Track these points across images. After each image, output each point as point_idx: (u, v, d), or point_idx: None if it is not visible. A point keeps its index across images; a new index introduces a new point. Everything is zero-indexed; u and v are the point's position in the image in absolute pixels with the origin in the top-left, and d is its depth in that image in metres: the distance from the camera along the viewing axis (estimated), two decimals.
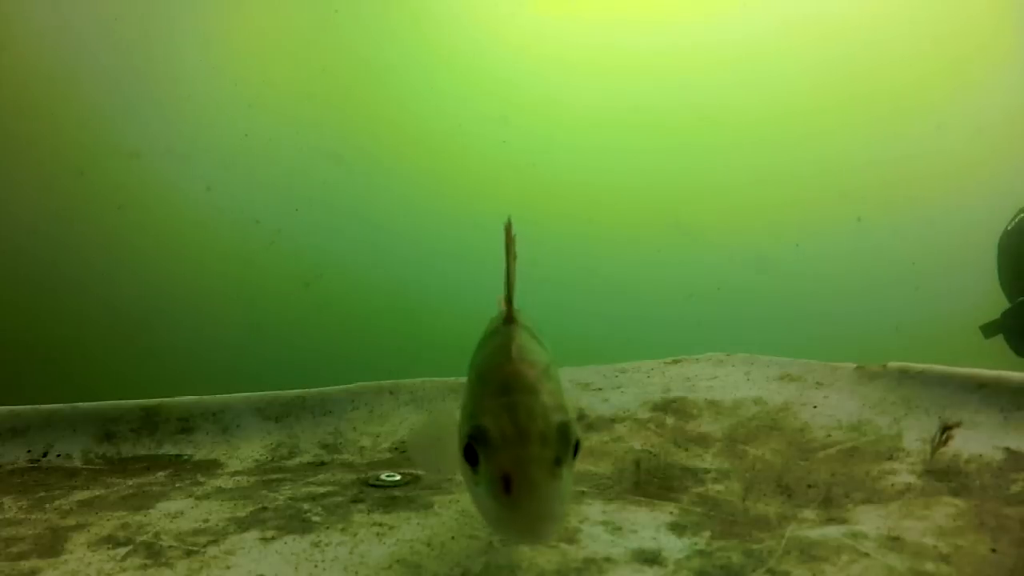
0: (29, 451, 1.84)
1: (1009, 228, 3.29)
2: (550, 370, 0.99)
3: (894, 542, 1.15)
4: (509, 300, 1.12)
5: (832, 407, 1.76)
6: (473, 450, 0.88)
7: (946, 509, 1.25)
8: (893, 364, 1.80)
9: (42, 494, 1.59)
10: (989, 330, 3.30)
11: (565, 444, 0.87)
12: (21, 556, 1.26)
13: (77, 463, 1.80)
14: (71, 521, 1.41)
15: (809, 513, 1.30)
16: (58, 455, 1.83)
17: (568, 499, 0.87)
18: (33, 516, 1.45)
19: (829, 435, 1.64)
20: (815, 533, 1.21)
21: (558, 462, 0.85)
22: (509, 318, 1.10)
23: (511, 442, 0.85)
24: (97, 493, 1.59)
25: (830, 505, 1.32)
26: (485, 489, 0.86)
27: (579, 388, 2.02)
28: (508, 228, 1.15)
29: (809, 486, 1.41)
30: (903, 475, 1.41)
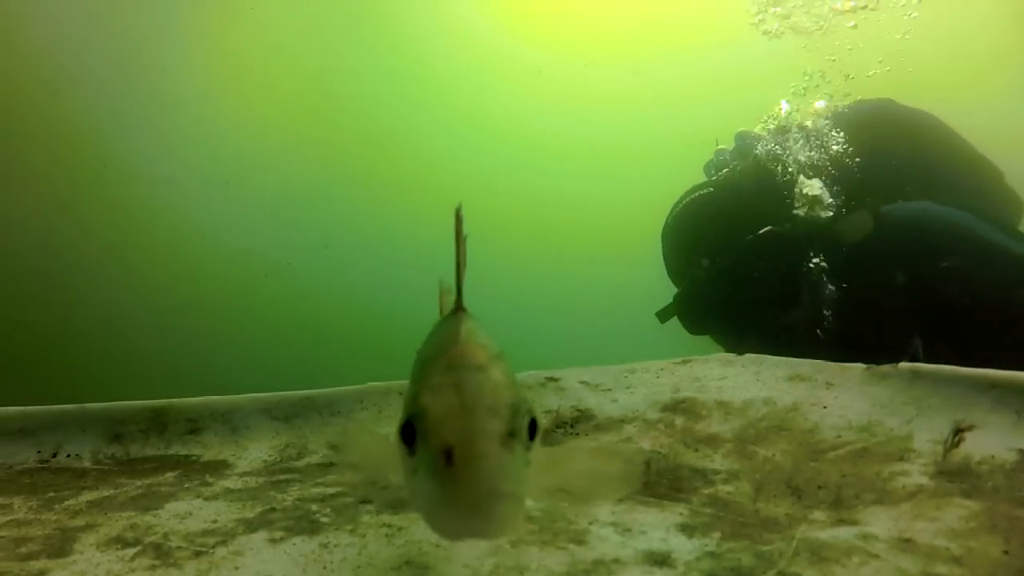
0: (39, 451, 1.84)
1: (668, 222, 3.58)
2: (502, 357, 0.89)
3: (905, 544, 1.14)
4: (459, 289, 1.04)
5: (842, 407, 1.75)
6: (412, 430, 0.79)
7: (958, 511, 1.24)
8: (904, 364, 1.79)
9: (52, 494, 1.59)
10: (664, 315, 3.55)
11: (517, 418, 0.78)
12: (30, 556, 1.26)
13: (86, 463, 1.80)
14: (80, 521, 1.41)
15: (819, 514, 1.29)
16: (68, 455, 1.83)
17: (523, 484, 0.77)
18: (43, 516, 1.46)
19: (839, 436, 1.63)
20: (826, 534, 1.20)
21: (511, 437, 0.76)
22: (458, 306, 1.02)
23: (455, 414, 0.76)
24: (106, 493, 1.59)
25: (840, 506, 1.32)
26: (423, 468, 0.76)
27: (588, 388, 2.01)
28: (458, 215, 1.06)
29: (819, 487, 1.40)
30: (914, 476, 1.40)
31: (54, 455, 1.83)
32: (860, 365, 1.88)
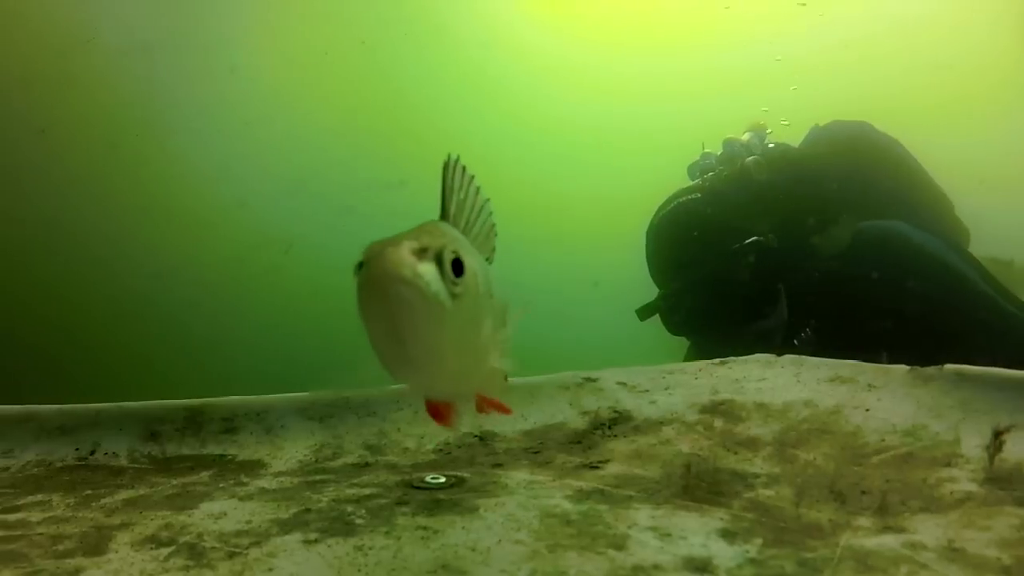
0: (77, 449, 1.85)
1: (654, 223, 3.63)
2: (464, 244, 0.98)
3: (955, 553, 1.11)
4: (444, 209, 1.08)
5: (885, 410, 1.71)
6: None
7: (1009, 519, 1.20)
8: (949, 366, 1.75)
9: (89, 492, 1.60)
10: (644, 313, 3.62)
11: (436, 248, 0.87)
12: (67, 554, 1.27)
13: (123, 462, 1.81)
14: (116, 520, 1.41)
15: (864, 521, 1.26)
16: (105, 453, 1.84)
17: (440, 295, 0.85)
18: (79, 514, 1.46)
19: (883, 439, 1.60)
20: (871, 542, 1.17)
21: (424, 252, 0.85)
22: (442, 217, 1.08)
23: (384, 242, 0.86)
24: (142, 492, 1.59)
25: (886, 513, 1.28)
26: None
27: (625, 389, 1.99)
28: (447, 164, 1.10)
29: (863, 492, 1.37)
30: (963, 483, 1.36)
31: (92, 453, 1.84)
32: (903, 367, 1.84)
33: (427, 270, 0.85)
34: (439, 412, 1.08)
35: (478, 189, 1.12)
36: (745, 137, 3.71)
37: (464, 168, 1.09)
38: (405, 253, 0.84)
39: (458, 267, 0.88)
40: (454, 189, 1.08)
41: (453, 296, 0.87)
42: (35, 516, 1.46)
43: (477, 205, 1.12)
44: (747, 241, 3.33)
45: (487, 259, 1.12)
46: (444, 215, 1.07)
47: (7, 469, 1.78)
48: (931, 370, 1.77)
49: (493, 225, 1.17)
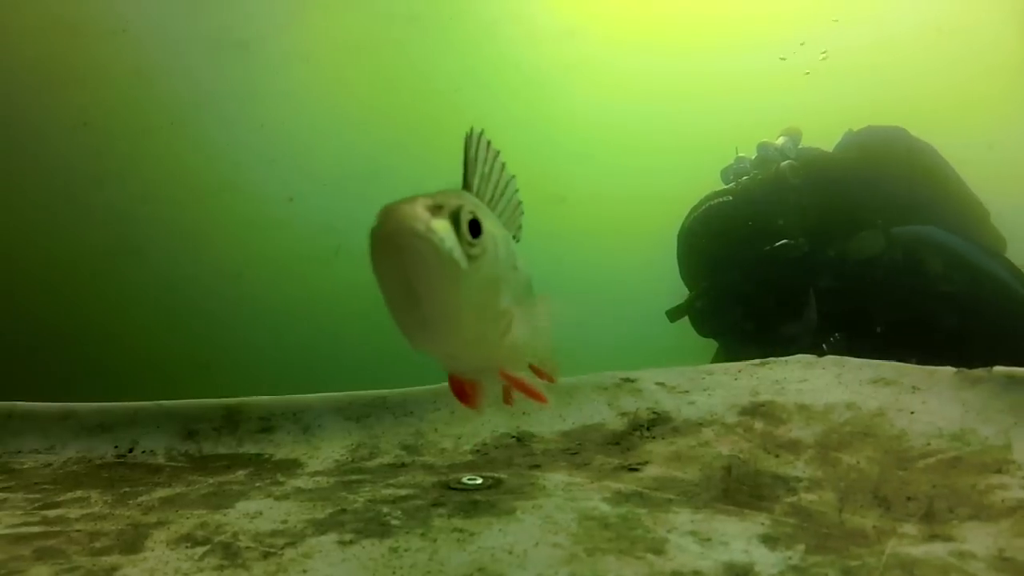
0: (116, 446, 1.87)
1: (685, 225, 3.64)
2: (485, 211, 0.95)
3: (1005, 563, 1.08)
4: (465, 180, 1.04)
5: (931, 413, 1.67)
6: None
7: None
8: (999, 368, 1.70)
9: (126, 489, 1.61)
10: (674, 314, 3.63)
11: (452, 198, 0.85)
12: (104, 551, 1.27)
13: (161, 460, 1.82)
14: (152, 518, 1.41)
15: (910, 528, 1.23)
16: (143, 451, 1.85)
17: (456, 255, 0.82)
18: (117, 511, 1.47)
19: (929, 443, 1.56)
20: (918, 550, 1.14)
21: (440, 208, 0.83)
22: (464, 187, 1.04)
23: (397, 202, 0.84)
24: (179, 490, 1.59)
25: (933, 520, 1.25)
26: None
27: (664, 390, 1.96)
28: (469, 137, 1.04)
29: (908, 498, 1.34)
30: (1014, 490, 1.32)
31: (130, 450, 1.86)
32: (950, 368, 1.79)
33: (441, 226, 0.82)
34: (464, 392, 1.05)
35: (503, 165, 1.09)
36: (779, 141, 3.71)
37: (489, 142, 1.06)
38: (419, 209, 0.81)
39: (476, 229, 0.86)
40: (477, 162, 1.05)
41: (470, 258, 0.84)
42: (74, 512, 1.47)
43: (503, 181, 1.09)
44: (776, 244, 3.33)
45: (514, 237, 1.09)
46: (466, 187, 1.03)
47: (49, 465, 1.80)
48: (979, 372, 1.72)
49: (519, 203, 1.13)
